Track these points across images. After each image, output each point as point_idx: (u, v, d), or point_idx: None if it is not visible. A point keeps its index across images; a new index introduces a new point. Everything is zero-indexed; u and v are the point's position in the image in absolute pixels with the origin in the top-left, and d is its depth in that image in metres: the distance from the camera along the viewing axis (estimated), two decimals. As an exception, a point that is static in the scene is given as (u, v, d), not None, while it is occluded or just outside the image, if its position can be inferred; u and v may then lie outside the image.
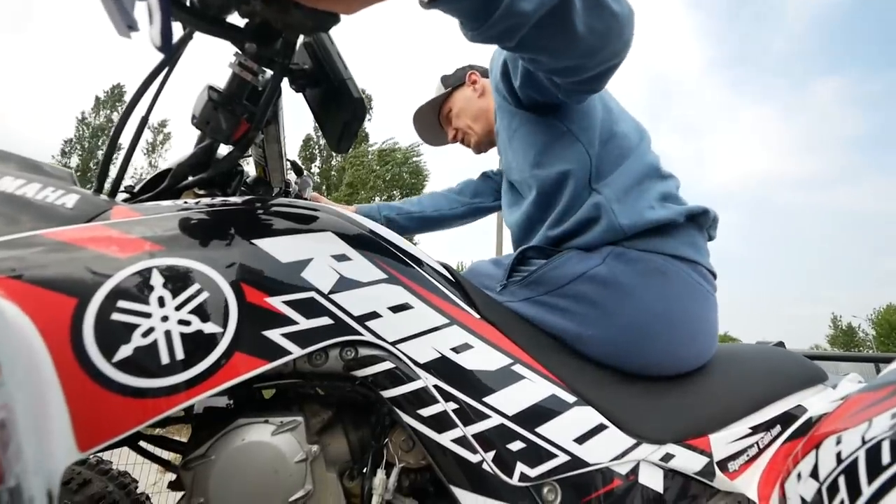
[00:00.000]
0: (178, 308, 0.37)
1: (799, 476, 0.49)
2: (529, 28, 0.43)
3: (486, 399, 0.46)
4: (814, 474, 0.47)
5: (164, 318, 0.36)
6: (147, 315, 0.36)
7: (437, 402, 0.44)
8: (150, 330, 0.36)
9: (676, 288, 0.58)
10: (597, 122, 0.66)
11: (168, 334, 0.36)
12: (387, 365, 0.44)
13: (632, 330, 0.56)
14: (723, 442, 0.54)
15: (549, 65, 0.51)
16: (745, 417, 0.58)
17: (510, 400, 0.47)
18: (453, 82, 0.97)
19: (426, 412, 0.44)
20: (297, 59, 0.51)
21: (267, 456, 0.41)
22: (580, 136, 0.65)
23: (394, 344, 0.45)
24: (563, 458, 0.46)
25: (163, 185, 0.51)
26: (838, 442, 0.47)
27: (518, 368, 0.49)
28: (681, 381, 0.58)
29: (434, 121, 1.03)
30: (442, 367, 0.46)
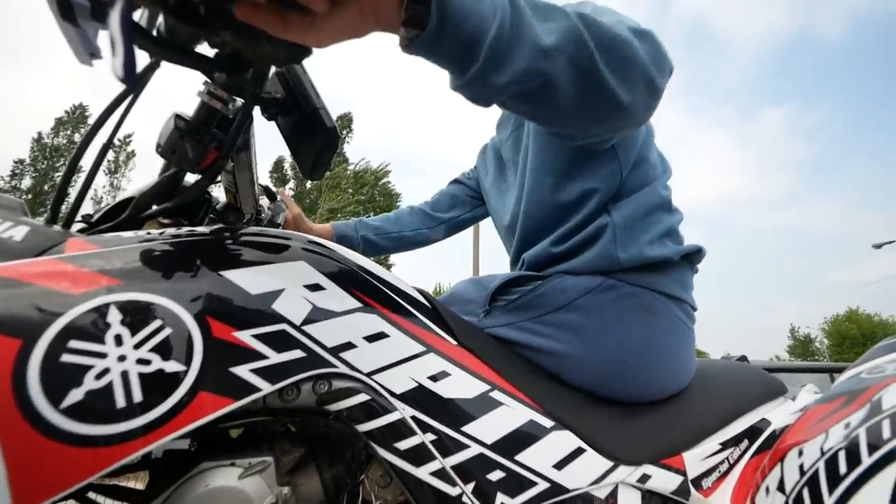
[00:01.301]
0: (137, 346, 0.35)
1: (767, 490, 0.51)
2: (506, 99, 0.41)
3: (464, 428, 0.45)
4: (780, 487, 0.49)
5: (122, 358, 0.34)
6: (102, 355, 0.34)
7: (414, 433, 0.43)
8: (105, 371, 0.33)
9: (660, 325, 0.59)
10: (638, 141, 0.64)
11: (125, 375, 0.34)
12: (362, 397, 0.43)
13: (612, 361, 0.57)
14: (696, 459, 0.56)
15: (544, 126, 0.48)
16: (715, 434, 0.60)
17: (489, 427, 0.46)
18: None
19: (403, 445, 0.43)
20: (269, 87, 0.51)
21: (233, 503, 0.39)
22: (620, 152, 0.62)
23: (369, 375, 0.44)
24: (543, 485, 0.46)
25: (124, 215, 0.49)
26: (800, 454, 0.49)
27: (496, 395, 0.49)
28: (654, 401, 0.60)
29: None
30: (419, 396, 0.45)
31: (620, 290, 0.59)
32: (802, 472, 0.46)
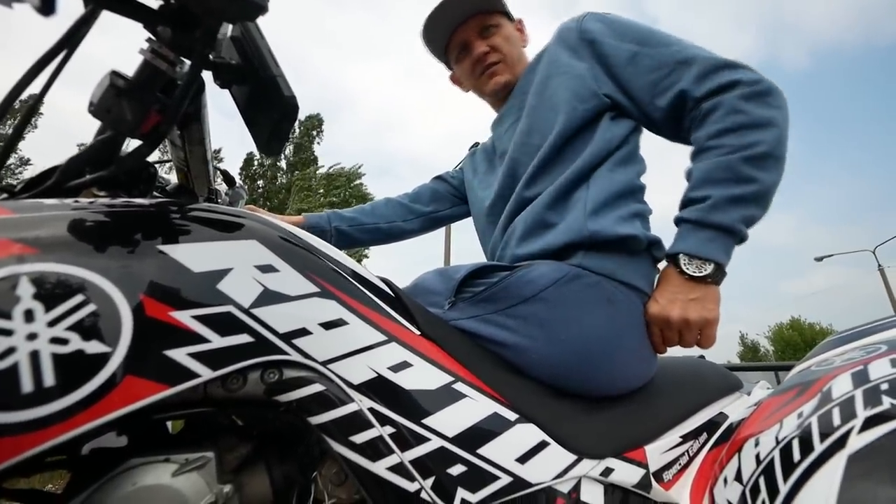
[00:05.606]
0: (51, 324, 0.30)
1: (725, 481, 0.51)
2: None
3: (424, 421, 0.43)
4: (738, 478, 0.49)
5: (32, 336, 0.30)
6: (8, 332, 0.29)
7: (371, 426, 0.40)
8: (10, 351, 0.29)
9: (623, 317, 0.59)
10: (632, 123, 0.73)
11: (35, 355, 0.29)
12: (316, 387, 0.40)
13: (575, 353, 0.56)
14: (657, 452, 0.56)
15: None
16: (675, 427, 0.60)
17: (451, 420, 0.44)
18: (504, 7, 0.85)
19: (359, 438, 0.40)
20: (224, 53, 0.47)
21: (165, 503, 0.35)
22: (622, 121, 0.72)
23: (324, 364, 0.41)
24: (505, 479, 0.44)
25: (49, 181, 0.43)
26: (756, 444, 0.50)
27: (459, 386, 0.47)
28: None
29: (450, 25, 0.84)
30: (378, 387, 0.42)
31: (584, 280, 0.59)
32: (759, 462, 0.47)
